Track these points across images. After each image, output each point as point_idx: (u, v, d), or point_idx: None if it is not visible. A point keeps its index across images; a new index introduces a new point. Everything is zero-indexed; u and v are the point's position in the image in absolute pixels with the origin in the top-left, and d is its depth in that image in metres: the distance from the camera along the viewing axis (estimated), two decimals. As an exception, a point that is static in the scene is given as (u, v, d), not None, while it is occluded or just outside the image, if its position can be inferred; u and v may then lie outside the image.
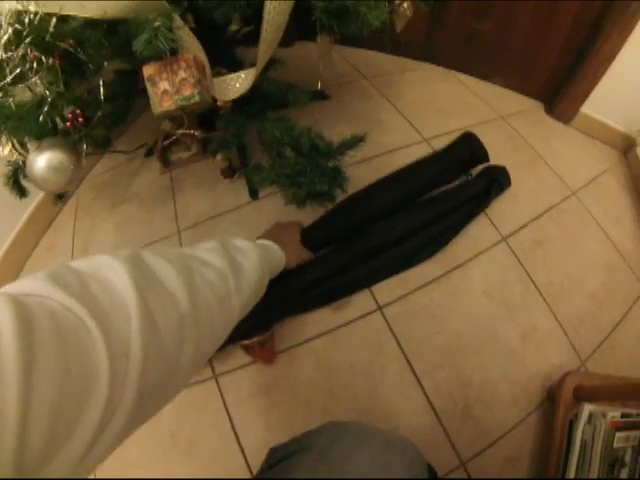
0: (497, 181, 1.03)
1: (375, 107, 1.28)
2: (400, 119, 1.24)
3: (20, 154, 0.81)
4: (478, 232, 1.00)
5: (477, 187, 1.02)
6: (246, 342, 0.83)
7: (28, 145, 0.78)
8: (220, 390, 0.85)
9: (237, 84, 0.82)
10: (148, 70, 0.62)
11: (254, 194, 1.07)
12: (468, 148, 1.05)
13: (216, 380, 0.86)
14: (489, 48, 1.27)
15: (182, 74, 0.62)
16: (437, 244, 0.95)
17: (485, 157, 1.04)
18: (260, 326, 0.83)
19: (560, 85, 1.24)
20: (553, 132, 1.26)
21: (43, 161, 0.73)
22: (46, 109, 0.65)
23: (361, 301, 0.91)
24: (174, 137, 1.05)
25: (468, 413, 0.80)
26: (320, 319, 0.89)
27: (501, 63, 1.32)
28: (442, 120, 1.23)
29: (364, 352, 0.86)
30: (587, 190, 1.12)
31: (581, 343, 0.89)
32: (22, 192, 0.94)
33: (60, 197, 1.04)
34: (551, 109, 1.28)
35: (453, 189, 1.03)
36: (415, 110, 1.26)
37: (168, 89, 0.66)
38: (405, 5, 0.77)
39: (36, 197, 1.18)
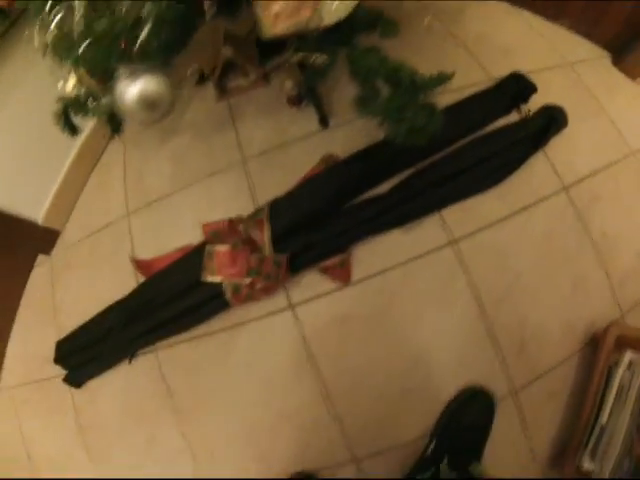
0: (555, 120, 1.03)
1: (440, 43, 1.22)
2: (466, 57, 1.19)
3: (89, 87, 0.77)
4: (541, 178, 1.01)
5: (536, 124, 1.02)
6: (327, 263, 0.88)
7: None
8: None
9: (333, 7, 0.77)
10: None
11: (324, 122, 1.04)
12: (516, 83, 1.06)
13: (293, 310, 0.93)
14: None
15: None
16: (499, 175, 0.98)
17: (534, 89, 1.04)
18: (339, 248, 0.89)
19: (633, 37, 1.18)
20: (618, 86, 1.21)
21: (138, 89, 0.68)
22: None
23: (433, 235, 0.95)
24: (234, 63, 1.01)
25: (523, 348, 0.89)
26: (394, 249, 0.94)
27: (573, 3, 1.24)
28: (507, 61, 1.17)
29: (435, 283, 0.92)
30: None
31: (624, 297, 0.95)
32: (73, 130, 0.91)
33: (116, 130, 1.00)
34: (619, 61, 1.24)
35: (513, 125, 1.04)
36: (477, 46, 1.21)
37: (281, 11, 0.62)
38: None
39: (82, 134, 1.16)
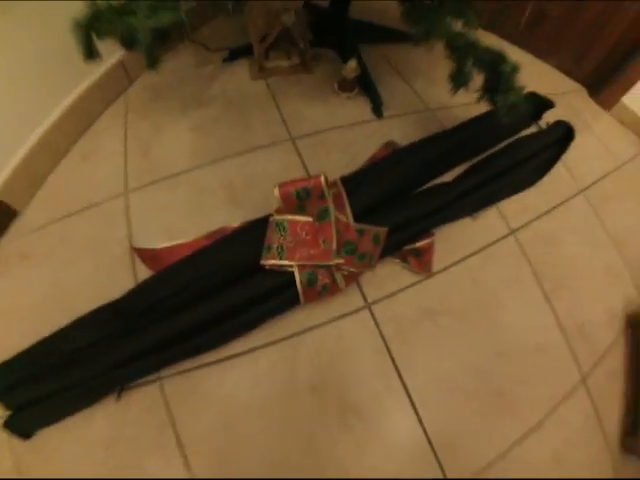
0: (568, 131, 1.18)
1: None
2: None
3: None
4: (561, 178, 1.14)
5: (554, 134, 1.16)
6: (407, 247, 0.80)
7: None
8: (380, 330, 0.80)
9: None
10: None
11: (379, 112, 1.00)
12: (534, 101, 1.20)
13: (370, 309, 0.80)
14: (552, 30, 1.41)
15: None
16: (537, 174, 1.08)
17: (548, 104, 1.19)
18: (420, 232, 0.84)
19: (607, 75, 1.42)
20: (594, 115, 1.43)
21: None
22: None
23: (496, 224, 0.96)
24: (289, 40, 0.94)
25: (582, 330, 0.91)
26: (468, 241, 0.91)
27: (559, 46, 1.46)
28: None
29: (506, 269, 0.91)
30: (631, 167, 1.31)
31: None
32: (91, 53, 0.72)
33: (152, 64, 0.79)
34: (595, 94, 1.48)
35: (538, 133, 1.17)
36: None
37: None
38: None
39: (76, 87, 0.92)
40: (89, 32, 0.69)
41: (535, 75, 1.40)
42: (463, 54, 0.78)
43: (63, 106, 0.89)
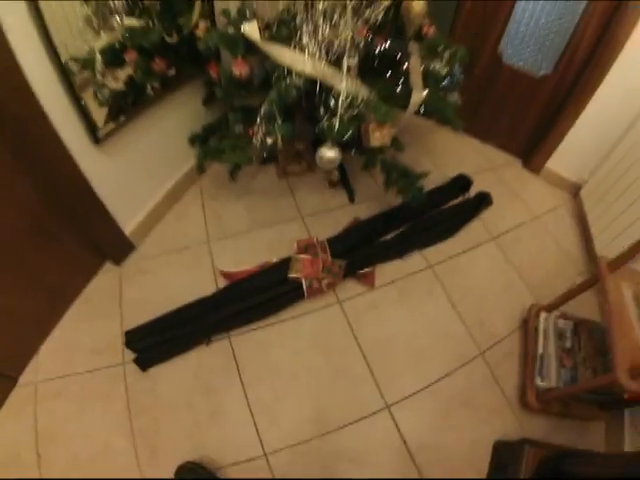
0: (484, 200, 1.79)
1: (419, 158, 2.02)
2: (431, 164, 2.00)
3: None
4: (477, 231, 1.74)
5: (472, 203, 1.78)
6: (361, 272, 1.45)
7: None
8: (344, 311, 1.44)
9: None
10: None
11: (352, 200, 1.73)
12: (463, 180, 1.86)
13: (341, 305, 1.45)
14: (487, 118, 2.05)
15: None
16: (453, 230, 1.70)
17: (471, 183, 1.83)
18: (368, 264, 1.49)
19: (533, 147, 1.97)
20: (526, 179, 2.02)
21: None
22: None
23: (418, 262, 1.59)
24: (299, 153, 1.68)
25: (482, 324, 1.45)
26: (398, 269, 1.55)
27: (495, 129, 2.08)
28: (457, 167, 1.97)
29: (423, 288, 1.51)
30: (547, 217, 1.86)
31: (535, 291, 1.56)
32: (201, 169, 1.53)
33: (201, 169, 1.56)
34: (526, 163, 2.07)
35: (459, 204, 1.80)
36: (439, 158, 2.04)
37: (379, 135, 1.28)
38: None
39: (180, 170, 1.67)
40: (203, 162, 1.49)
41: (479, 154, 2.08)
42: (388, 171, 1.48)
43: (168, 185, 1.62)
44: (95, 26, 1.06)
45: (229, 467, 1.12)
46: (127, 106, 1.24)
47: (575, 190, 1.96)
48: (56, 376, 1.25)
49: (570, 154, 1.89)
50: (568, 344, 1.27)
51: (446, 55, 1.29)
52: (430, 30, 1.33)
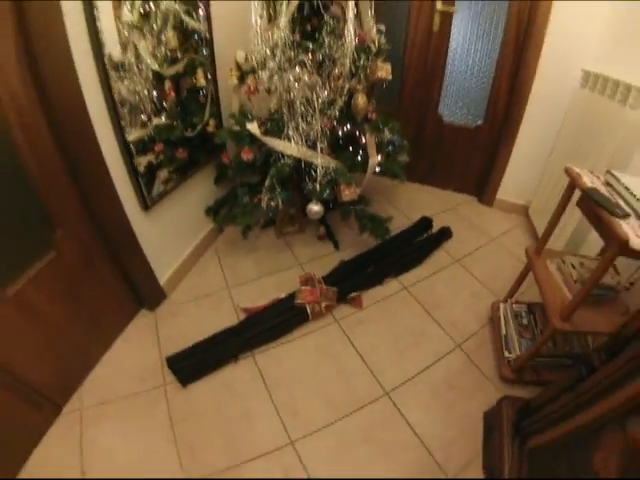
0: (445, 234, 2.25)
1: (387, 207, 2.53)
2: (397, 212, 2.49)
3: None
4: (442, 258, 2.16)
5: (435, 237, 2.24)
6: (352, 295, 1.82)
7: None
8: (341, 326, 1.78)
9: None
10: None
11: (337, 247, 2.19)
12: (426, 221, 2.34)
13: (338, 323, 1.80)
14: (442, 169, 2.58)
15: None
16: (417, 261, 2.11)
17: (431, 222, 2.31)
18: (355, 290, 1.86)
19: (483, 184, 2.45)
20: (483, 211, 2.52)
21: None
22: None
23: (395, 287, 1.98)
24: (292, 217, 2.18)
25: (454, 324, 1.78)
26: (379, 293, 1.93)
27: (450, 176, 2.59)
28: (422, 212, 2.45)
29: (400, 305, 1.88)
30: (503, 237, 2.31)
31: (498, 294, 1.90)
32: (221, 228, 2.00)
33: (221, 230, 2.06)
34: (481, 199, 2.57)
35: (424, 239, 2.25)
36: (406, 207, 2.55)
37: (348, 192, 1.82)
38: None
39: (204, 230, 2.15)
40: (222, 225, 1.96)
41: (440, 199, 2.63)
42: (360, 219, 1.96)
43: (192, 245, 2.03)
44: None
45: (260, 457, 1.33)
46: (164, 184, 1.70)
47: (525, 211, 2.41)
48: (100, 402, 1.44)
49: (514, 182, 2.38)
50: (525, 322, 1.61)
51: (387, 129, 1.89)
52: (373, 115, 1.93)
